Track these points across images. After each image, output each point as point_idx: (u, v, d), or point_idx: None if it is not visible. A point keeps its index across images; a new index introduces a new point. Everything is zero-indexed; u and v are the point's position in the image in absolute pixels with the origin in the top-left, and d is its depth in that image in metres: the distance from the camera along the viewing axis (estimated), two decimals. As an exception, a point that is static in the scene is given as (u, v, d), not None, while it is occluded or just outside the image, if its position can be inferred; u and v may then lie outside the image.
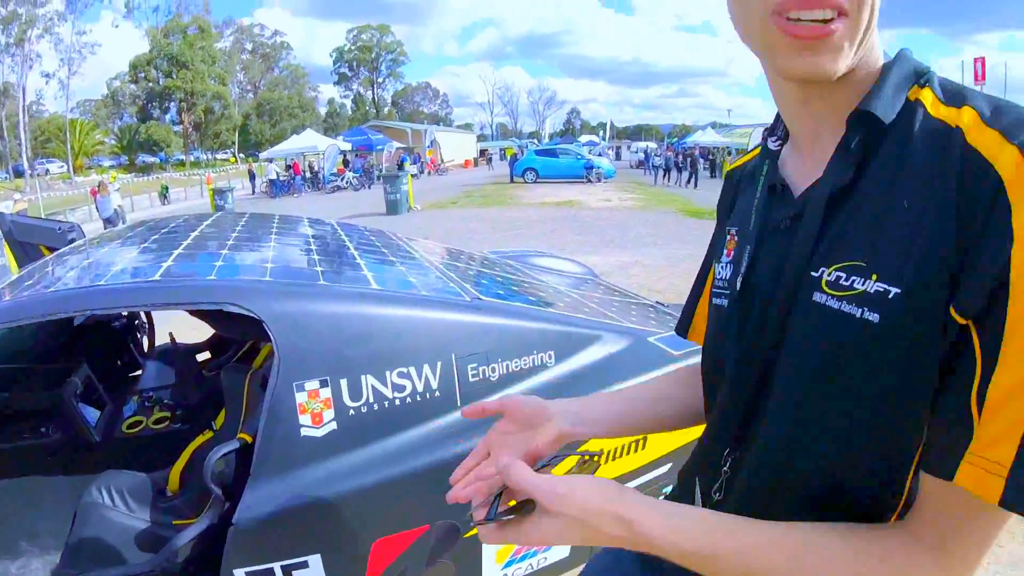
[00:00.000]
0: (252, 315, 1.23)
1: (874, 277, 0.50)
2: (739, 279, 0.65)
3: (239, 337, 2.37)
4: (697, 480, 0.73)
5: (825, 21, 0.49)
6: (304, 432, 1.20)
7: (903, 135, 0.53)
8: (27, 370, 2.24)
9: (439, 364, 1.35)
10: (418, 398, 1.30)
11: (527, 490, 0.56)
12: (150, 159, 51.54)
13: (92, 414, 2.20)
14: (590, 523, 0.54)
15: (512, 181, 24.88)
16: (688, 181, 23.66)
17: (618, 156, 50.80)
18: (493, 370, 1.42)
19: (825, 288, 0.54)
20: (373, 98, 78.76)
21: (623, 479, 1.62)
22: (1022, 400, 0.42)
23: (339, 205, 17.85)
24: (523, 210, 14.98)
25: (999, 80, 26.20)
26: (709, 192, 19.53)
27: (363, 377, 1.26)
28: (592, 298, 2.42)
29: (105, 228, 11.34)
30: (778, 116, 0.67)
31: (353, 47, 76.47)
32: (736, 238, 0.71)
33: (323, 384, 1.22)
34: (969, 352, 0.46)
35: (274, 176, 24.38)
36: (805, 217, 0.58)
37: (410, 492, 1.30)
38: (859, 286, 0.51)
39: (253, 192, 26.55)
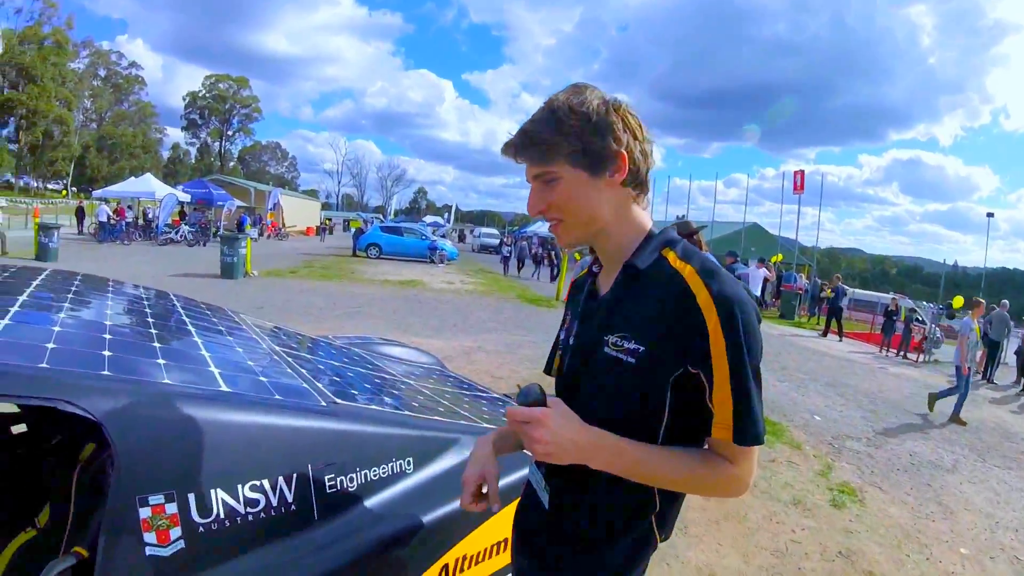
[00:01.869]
0: (89, 417, 1.08)
1: (633, 341, 0.99)
2: (572, 338, 1.16)
3: (54, 434, 2.07)
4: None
5: (553, 221, 1.06)
6: (149, 551, 1.07)
7: (654, 273, 1.02)
8: None
9: (295, 476, 1.29)
10: (272, 513, 1.24)
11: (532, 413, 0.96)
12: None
13: None
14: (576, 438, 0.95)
15: (355, 255, 24.62)
16: (552, 276, 22.04)
17: (461, 239, 52.29)
18: (351, 480, 1.39)
19: (610, 346, 1.02)
20: (220, 150, 74.81)
21: None
22: (727, 401, 0.94)
23: (171, 261, 16.50)
24: (364, 287, 14.77)
25: (816, 187, 27.47)
26: (550, 284, 20.53)
27: (213, 491, 1.17)
28: (443, 393, 2.46)
29: None
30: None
31: (208, 94, 72.69)
32: (569, 318, 1.22)
33: (169, 499, 1.11)
34: (703, 382, 0.95)
35: (104, 219, 22.09)
36: (599, 310, 1.09)
37: None
38: (627, 345, 1.00)
39: (80, 231, 23.80)
